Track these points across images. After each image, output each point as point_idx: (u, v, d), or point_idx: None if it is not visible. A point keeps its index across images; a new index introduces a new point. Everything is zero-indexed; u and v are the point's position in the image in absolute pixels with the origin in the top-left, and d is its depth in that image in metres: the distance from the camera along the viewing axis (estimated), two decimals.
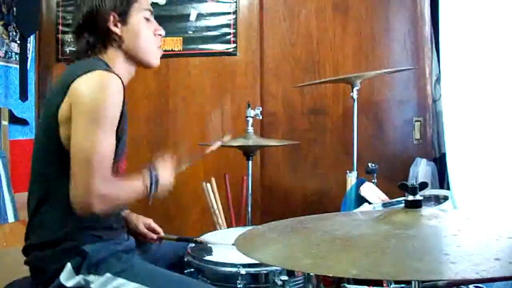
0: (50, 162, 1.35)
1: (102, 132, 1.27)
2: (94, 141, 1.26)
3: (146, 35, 1.48)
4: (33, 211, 1.39)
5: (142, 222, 1.64)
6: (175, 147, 2.93)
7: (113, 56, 1.44)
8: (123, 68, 1.46)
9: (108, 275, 1.30)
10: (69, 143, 1.30)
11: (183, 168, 1.55)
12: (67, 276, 1.30)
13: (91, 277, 1.30)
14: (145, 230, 1.63)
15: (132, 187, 1.36)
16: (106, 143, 1.28)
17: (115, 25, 1.43)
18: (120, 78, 1.34)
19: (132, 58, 1.47)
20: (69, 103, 1.30)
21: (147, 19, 1.49)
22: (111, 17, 1.42)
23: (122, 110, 1.34)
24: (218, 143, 1.75)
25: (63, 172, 1.30)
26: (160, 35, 1.52)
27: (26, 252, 1.40)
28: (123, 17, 1.44)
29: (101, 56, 1.44)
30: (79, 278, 1.30)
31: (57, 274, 1.30)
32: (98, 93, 1.29)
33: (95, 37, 1.43)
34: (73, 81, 1.30)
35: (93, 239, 1.35)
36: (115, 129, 1.31)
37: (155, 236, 1.64)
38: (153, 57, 1.51)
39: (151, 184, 1.36)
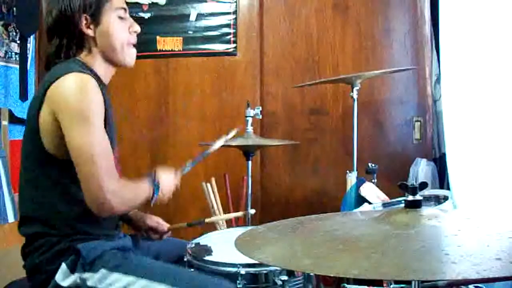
0: (39, 169, 1.36)
1: (94, 129, 1.28)
2: (90, 140, 1.27)
3: (119, 35, 1.46)
4: (25, 215, 1.40)
5: (149, 217, 1.67)
6: (176, 149, 2.93)
7: (91, 57, 1.44)
8: (103, 69, 1.46)
9: (103, 271, 1.30)
10: (54, 149, 1.32)
11: (187, 170, 1.57)
12: (62, 276, 1.31)
13: (86, 275, 1.31)
14: (155, 224, 1.65)
15: (139, 187, 1.40)
16: (101, 139, 1.30)
17: (88, 27, 1.43)
18: (94, 77, 1.35)
19: (109, 59, 1.47)
20: (50, 110, 1.31)
21: (121, 18, 1.47)
22: (83, 20, 1.41)
23: (105, 107, 1.34)
24: (222, 140, 1.73)
25: (53, 178, 1.33)
26: (136, 32, 1.51)
27: (23, 255, 1.40)
28: (95, 18, 1.42)
29: (78, 57, 1.43)
30: (75, 277, 1.31)
31: (52, 275, 1.31)
32: (77, 93, 1.29)
33: (68, 40, 1.42)
34: (48, 86, 1.31)
35: (87, 238, 1.36)
36: (104, 125, 1.32)
37: (165, 228, 1.65)
38: (128, 57, 1.50)
39: (153, 189, 1.39)
